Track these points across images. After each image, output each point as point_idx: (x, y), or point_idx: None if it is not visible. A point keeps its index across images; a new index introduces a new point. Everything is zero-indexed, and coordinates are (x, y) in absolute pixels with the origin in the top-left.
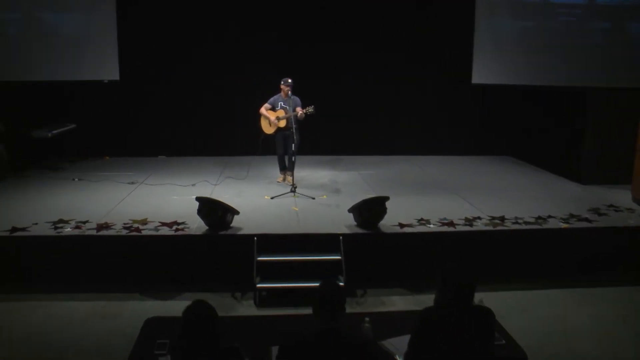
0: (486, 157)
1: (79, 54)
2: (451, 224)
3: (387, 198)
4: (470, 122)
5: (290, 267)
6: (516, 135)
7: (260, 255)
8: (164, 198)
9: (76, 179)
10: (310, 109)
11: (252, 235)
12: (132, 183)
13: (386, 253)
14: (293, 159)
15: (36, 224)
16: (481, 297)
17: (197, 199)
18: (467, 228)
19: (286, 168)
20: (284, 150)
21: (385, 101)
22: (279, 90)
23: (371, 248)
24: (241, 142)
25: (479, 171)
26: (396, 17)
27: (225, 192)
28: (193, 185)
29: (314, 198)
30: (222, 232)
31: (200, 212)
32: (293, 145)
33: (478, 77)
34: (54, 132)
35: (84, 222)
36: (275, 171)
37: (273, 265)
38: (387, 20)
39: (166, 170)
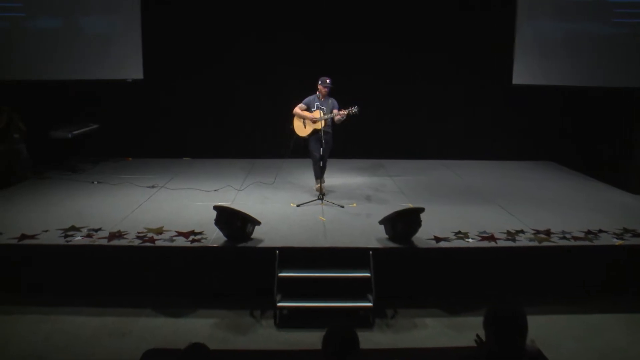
0: (527, 162)
1: (102, 53)
2: (492, 238)
3: (422, 209)
4: (510, 125)
5: (314, 285)
6: (559, 139)
7: (281, 270)
8: (183, 204)
9: (95, 182)
10: (354, 110)
11: (274, 248)
12: (153, 187)
13: (420, 270)
14: (321, 164)
15: (47, 231)
16: (532, 338)
17: (215, 207)
18: (510, 243)
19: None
20: (320, 154)
21: (422, 104)
22: (312, 90)
23: (403, 264)
24: (269, 144)
25: (520, 177)
26: (435, 18)
27: (249, 198)
28: (215, 190)
29: (342, 206)
30: (242, 244)
31: (218, 222)
32: (322, 149)
33: (519, 77)
34: (75, 132)
35: (97, 230)
36: (305, 177)
37: (296, 282)
38: (425, 20)
39: (189, 173)
